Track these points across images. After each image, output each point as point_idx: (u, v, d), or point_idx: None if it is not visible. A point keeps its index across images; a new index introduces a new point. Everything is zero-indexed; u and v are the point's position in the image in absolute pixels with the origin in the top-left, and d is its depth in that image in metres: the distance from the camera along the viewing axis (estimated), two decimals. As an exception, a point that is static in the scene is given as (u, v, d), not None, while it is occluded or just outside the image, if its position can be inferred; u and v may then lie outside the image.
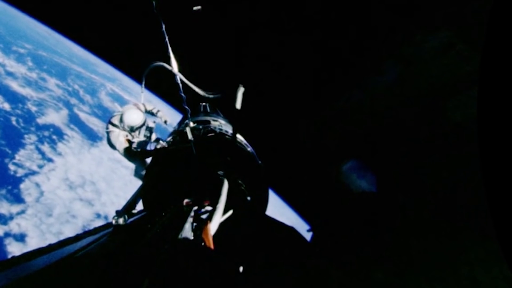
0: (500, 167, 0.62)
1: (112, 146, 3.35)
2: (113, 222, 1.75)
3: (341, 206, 5.77)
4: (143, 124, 3.39)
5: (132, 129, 3.31)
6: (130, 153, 3.27)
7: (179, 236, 1.24)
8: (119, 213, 1.89)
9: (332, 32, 5.46)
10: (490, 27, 0.63)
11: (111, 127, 3.29)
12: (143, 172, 3.81)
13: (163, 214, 1.91)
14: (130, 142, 3.31)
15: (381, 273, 4.24)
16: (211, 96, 2.25)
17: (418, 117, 4.64)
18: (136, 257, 1.29)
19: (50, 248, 1.34)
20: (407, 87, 4.68)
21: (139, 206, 2.46)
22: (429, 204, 4.40)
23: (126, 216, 1.80)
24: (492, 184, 0.63)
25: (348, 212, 5.55)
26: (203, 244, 1.20)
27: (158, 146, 3.23)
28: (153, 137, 3.73)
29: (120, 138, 3.26)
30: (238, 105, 1.94)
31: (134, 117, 3.26)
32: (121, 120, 3.24)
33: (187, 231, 1.33)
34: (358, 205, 5.28)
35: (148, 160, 3.56)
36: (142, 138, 3.52)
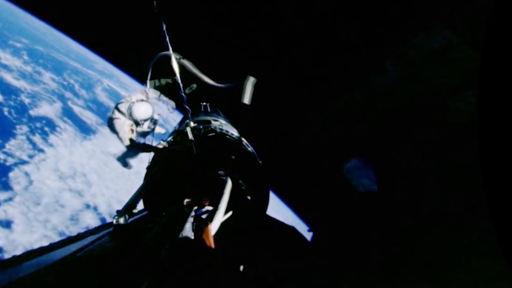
0: (500, 167, 0.62)
1: (113, 130, 3.36)
2: (114, 222, 1.75)
3: (342, 205, 5.77)
4: (150, 117, 3.42)
5: (138, 121, 3.33)
6: (132, 144, 3.28)
7: (180, 236, 1.24)
8: (119, 213, 1.88)
9: (332, 32, 5.46)
10: (490, 27, 0.63)
11: (117, 114, 3.29)
12: (129, 160, 3.81)
13: (164, 214, 1.91)
14: (133, 132, 3.33)
15: (380, 272, 4.24)
16: (221, 86, 2.22)
17: (418, 117, 4.64)
18: (136, 257, 1.29)
19: (51, 248, 1.34)
20: (407, 87, 4.68)
21: (140, 205, 2.46)
22: (429, 204, 4.40)
23: (127, 216, 1.80)
24: (492, 184, 0.63)
25: (348, 211, 5.55)
26: (203, 244, 1.20)
27: (160, 146, 3.23)
28: (157, 129, 3.74)
29: (125, 127, 3.26)
30: (247, 98, 1.82)
31: (142, 110, 3.28)
32: (129, 109, 3.25)
33: (188, 231, 1.33)
34: (359, 205, 5.28)
35: (142, 155, 3.56)
36: (145, 129, 3.54)
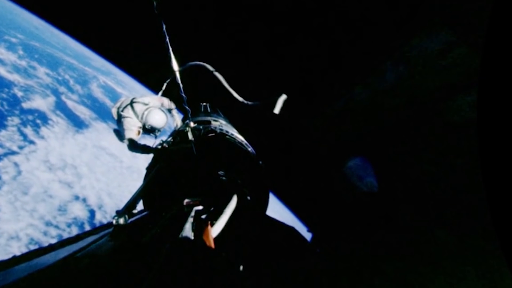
0: (500, 168, 0.62)
1: (119, 126, 3.36)
2: (114, 222, 1.75)
3: (341, 206, 5.77)
4: (161, 127, 3.44)
5: (148, 127, 3.34)
6: (133, 144, 3.28)
7: (180, 236, 1.24)
8: (119, 213, 1.88)
9: (331, 32, 5.46)
10: (490, 27, 0.63)
11: (130, 113, 3.29)
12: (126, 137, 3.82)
13: (164, 214, 1.91)
14: (139, 134, 3.35)
15: (380, 272, 4.24)
16: (249, 103, 2.33)
17: (418, 117, 4.64)
18: (136, 257, 1.29)
19: (50, 248, 1.34)
20: (407, 87, 4.68)
21: (140, 206, 2.46)
22: (428, 204, 4.40)
23: (127, 216, 1.80)
24: (492, 185, 0.63)
25: (348, 212, 5.55)
26: (203, 244, 1.20)
27: (159, 147, 3.24)
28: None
29: (133, 128, 3.28)
30: (277, 110, 2.16)
31: (157, 118, 3.30)
32: (144, 113, 3.28)
33: (188, 231, 1.33)
34: (359, 206, 5.28)
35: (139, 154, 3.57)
36: (150, 134, 3.55)
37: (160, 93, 3.98)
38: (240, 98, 2.38)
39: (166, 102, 3.69)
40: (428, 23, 4.09)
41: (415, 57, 4.40)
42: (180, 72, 3.26)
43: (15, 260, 1.12)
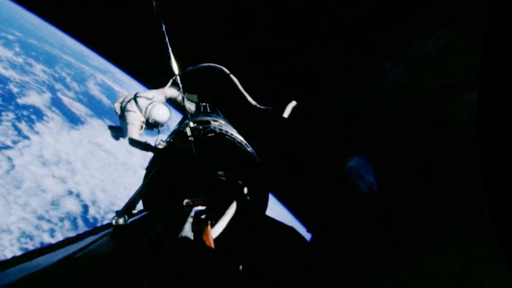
0: (500, 168, 0.62)
1: (122, 120, 3.34)
2: (113, 222, 1.75)
3: (341, 206, 5.77)
4: (164, 122, 3.42)
5: (152, 121, 3.32)
6: (134, 140, 3.26)
7: (180, 236, 1.24)
8: (119, 213, 1.88)
9: (331, 32, 5.46)
10: (490, 27, 0.63)
11: (134, 107, 3.28)
12: (119, 134, 3.77)
13: (163, 214, 1.91)
14: (142, 129, 3.33)
15: (380, 272, 4.24)
16: (262, 108, 2.40)
17: (418, 117, 4.64)
18: (136, 257, 1.29)
19: (50, 248, 1.34)
20: (407, 87, 4.68)
21: (139, 206, 2.46)
22: (428, 204, 4.40)
23: (126, 216, 1.80)
24: (492, 185, 0.63)
25: (348, 212, 5.55)
26: (203, 244, 1.20)
27: (159, 146, 3.23)
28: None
29: (136, 123, 3.25)
30: (286, 114, 2.29)
31: (161, 112, 3.29)
32: (147, 107, 3.26)
33: (187, 231, 1.33)
34: (357, 205, 5.28)
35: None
36: (153, 129, 3.54)
37: (168, 85, 3.96)
38: (253, 102, 2.42)
39: (170, 92, 3.65)
40: (428, 23, 4.09)
41: (415, 57, 4.40)
42: (191, 72, 3.27)
43: (15, 260, 1.12)
